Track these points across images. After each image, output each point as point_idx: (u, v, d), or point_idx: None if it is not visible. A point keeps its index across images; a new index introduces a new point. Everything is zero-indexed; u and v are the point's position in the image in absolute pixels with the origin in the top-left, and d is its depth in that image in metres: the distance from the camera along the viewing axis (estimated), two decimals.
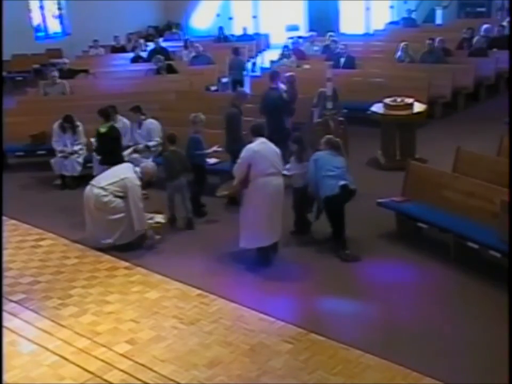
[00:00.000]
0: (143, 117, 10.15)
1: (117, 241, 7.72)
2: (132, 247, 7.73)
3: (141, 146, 10.00)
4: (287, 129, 9.37)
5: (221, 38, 19.99)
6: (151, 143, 10.03)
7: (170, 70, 14.34)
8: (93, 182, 7.92)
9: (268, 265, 7.11)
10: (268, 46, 21.68)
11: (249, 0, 23.38)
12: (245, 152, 7.04)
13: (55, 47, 19.88)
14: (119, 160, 8.76)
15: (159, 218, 8.14)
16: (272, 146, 7.13)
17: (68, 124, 10.26)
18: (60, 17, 21.61)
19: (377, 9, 21.86)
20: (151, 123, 10.16)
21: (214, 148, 8.92)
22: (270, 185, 6.95)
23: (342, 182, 7.17)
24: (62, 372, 5.44)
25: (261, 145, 7.05)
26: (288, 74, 10.10)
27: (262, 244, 7.08)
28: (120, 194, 7.69)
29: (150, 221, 7.98)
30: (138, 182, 7.85)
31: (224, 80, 15.04)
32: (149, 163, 8.66)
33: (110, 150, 9.20)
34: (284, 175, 7.34)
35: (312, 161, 7.42)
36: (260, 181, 6.92)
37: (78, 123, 10.35)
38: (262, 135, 7.22)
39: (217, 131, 9.94)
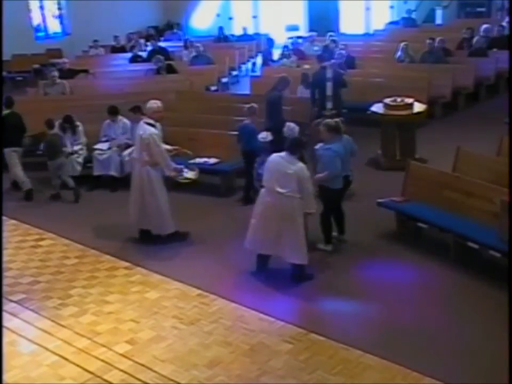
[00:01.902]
0: (143, 117, 10.12)
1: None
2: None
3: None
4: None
5: (221, 38, 19.99)
6: None
7: (170, 70, 14.33)
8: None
9: (259, 272, 6.99)
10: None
11: (249, 0, 23.38)
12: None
13: (55, 47, 19.88)
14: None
15: (190, 174, 8.15)
16: (288, 165, 6.56)
17: (68, 124, 10.26)
18: (60, 17, 21.61)
19: (377, 9, 21.85)
20: None
21: (263, 134, 9.12)
22: (262, 197, 6.80)
23: (344, 174, 7.26)
24: (62, 371, 5.44)
25: (277, 158, 6.73)
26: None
27: (249, 247, 6.99)
28: None
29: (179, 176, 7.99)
30: None
31: (224, 80, 15.10)
32: None
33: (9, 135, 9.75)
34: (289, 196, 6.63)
35: (335, 158, 7.14)
36: (262, 190, 6.87)
37: (78, 123, 10.35)
38: (288, 150, 6.67)
39: (218, 131, 9.96)
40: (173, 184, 8.19)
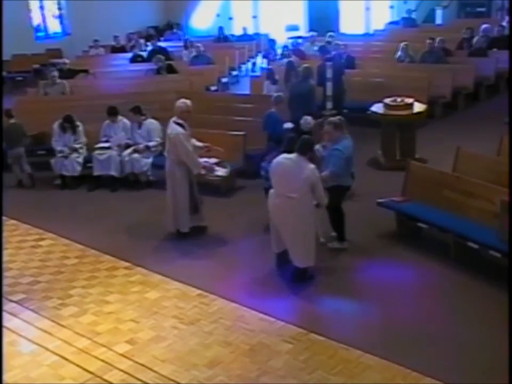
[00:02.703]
0: (143, 117, 10.15)
1: None
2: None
3: (141, 146, 9.99)
4: None
5: (221, 38, 19.99)
6: (151, 143, 10.02)
7: (171, 70, 14.33)
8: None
9: (278, 269, 7.02)
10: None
11: (249, 0, 23.37)
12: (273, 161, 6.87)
13: (55, 47, 19.88)
14: None
15: (222, 172, 8.24)
16: (299, 168, 6.46)
17: (68, 124, 10.25)
18: (60, 17, 21.61)
19: (377, 9, 21.84)
20: (151, 123, 10.16)
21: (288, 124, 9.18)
22: (271, 199, 6.77)
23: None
24: (62, 372, 5.44)
25: (286, 160, 6.63)
26: None
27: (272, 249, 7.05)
28: None
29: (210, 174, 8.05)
30: None
31: (224, 80, 15.11)
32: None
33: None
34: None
35: (342, 159, 7.09)
36: (270, 191, 6.84)
37: (78, 123, 10.34)
38: (298, 151, 6.56)
39: (218, 131, 9.95)
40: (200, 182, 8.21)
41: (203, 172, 7.98)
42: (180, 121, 7.77)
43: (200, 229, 8.10)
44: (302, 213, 6.54)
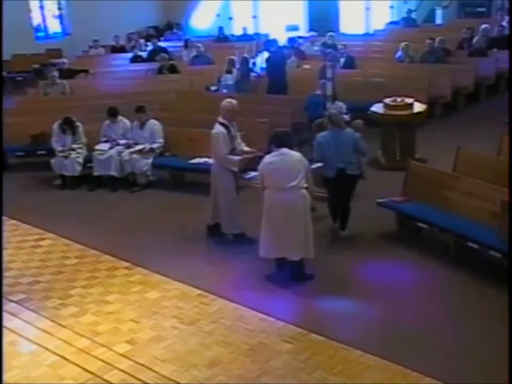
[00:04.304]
0: (146, 118, 10.12)
1: None
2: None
3: (146, 148, 9.94)
4: None
5: (221, 38, 19.98)
6: (155, 145, 9.98)
7: (173, 70, 14.35)
8: None
9: (279, 272, 6.96)
10: None
11: (249, 0, 23.37)
12: (260, 165, 6.83)
13: (55, 47, 19.88)
14: None
15: None
16: (291, 159, 6.62)
17: (67, 126, 10.24)
18: (60, 17, 21.60)
19: (377, 9, 21.82)
20: (154, 124, 10.12)
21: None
22: (271, 198, 6.71)
23: (336, 164, 7.49)
24: (62, 371, 5.44)
25: (276, 157, 6.68)
26: None
27: (262, 254, 6.89)
28: None
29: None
30: None
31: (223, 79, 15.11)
32: None
33: None
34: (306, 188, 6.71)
35: (316, 147, 7.59)
36: (266, 192, 6.79)
37: (78, 123, 10.33)
38: (284, 145, 6.68)
39: None
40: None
41: (239, 168, 7.65)
42: (224, 121, 7.60)
43: (239, 236, 7.85)
44: (303, 201, 6.61)
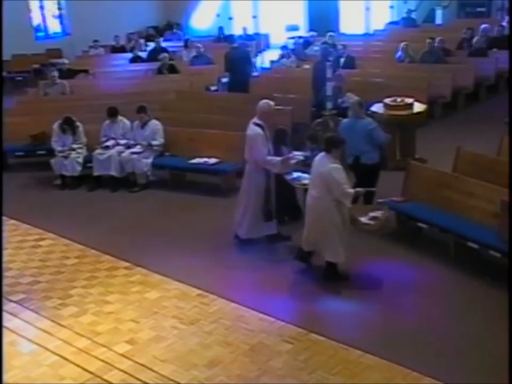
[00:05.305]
0: (147, 118, 10.11)
1: None
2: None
3: (145, 144, 9.94)
4: None
5: (221, 38, 19.98)
6: (154, 142, 9.97)
7: (172, 70, 14.35)
8: None
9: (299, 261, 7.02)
10: (267, 46, 21.68)
11: (249, 0, 23.37)
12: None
13: (55, 47, 19.89)
14: None
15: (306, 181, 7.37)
16: (320, 165, 6.53)
17: (68, 126, 10.25)
18: (60, 17, 21.60)
19: (377, 9, 21.83)
20: (155, 124, 10.10)
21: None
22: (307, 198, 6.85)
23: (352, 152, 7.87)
24: (62, 371, 5.44)
25: (318, 157, 6.66)
26: None
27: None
28: None
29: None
30: None
31: (224, 80, 15.12)
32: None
33: None
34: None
35: None
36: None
37: (78, 123, 10.34)
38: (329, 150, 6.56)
39: (218, 131, 9.97)
40: None
41: (283, 169, 7.46)
42: (260, 122, 7.45)
43: (272, 237, 7.69)
44: (321, 211, 6.56)
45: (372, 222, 6.79)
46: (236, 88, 13.06)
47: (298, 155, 7.60)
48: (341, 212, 6.57)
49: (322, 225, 6.61)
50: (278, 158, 7.41)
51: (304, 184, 7.38)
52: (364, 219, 6.78)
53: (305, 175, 7.38)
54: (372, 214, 6.85)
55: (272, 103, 7.61)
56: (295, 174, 7.56)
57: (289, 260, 7.20)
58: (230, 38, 15.01)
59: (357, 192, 6.59)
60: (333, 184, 6.44)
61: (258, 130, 7.40)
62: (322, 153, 6.63)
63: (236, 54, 13.58)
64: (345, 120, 8.36)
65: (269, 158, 7.41)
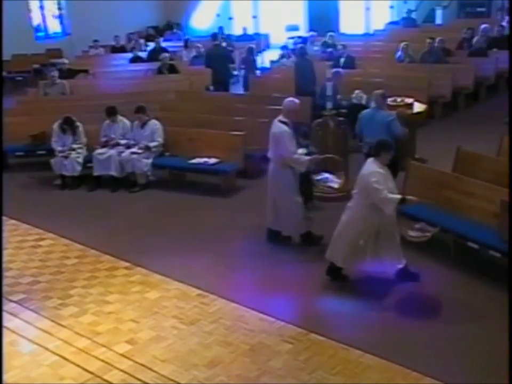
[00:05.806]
0: (147, 118, 10.11)
1: None
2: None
3: (143, 145, 9.93)
4: None
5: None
6: (151, 144, 9.97)
7: (172, 70, 14.35)
8: None
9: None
10: (267, 46, 21.70)
11: (249, 0, 23.38)
12: None
13: (55, 47, 19.91)
14: None
15: (335, 184, 7.52)
16: (366, 169, 6.33)
17: (68, 126, 10.24)
18: (60, 17, 21.63)
19: (377, 9, 21.87)
20: (155, 124, 10.09)
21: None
22: None
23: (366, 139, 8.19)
24: (62, 371, 5.44)
25: (367, 161, 6.48)
26: None
27: None
28: None
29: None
30: None
31: None
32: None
33: None
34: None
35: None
36: None
37: (78, 123, 10.33)
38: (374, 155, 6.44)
39: (218, 131, 9.97)
40: None
41: (312, 167, 7.38)
42: (285, 119, 7.30)
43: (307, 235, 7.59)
44: (350, 213, 6.47)
45: (418, 234, 6.64)
46: (215, 85, 13.50)
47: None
48: (371, 221, 6.35)
49: (345, 227, 6.52)
50: (306, 157, 7.31)
51: (330, 187, 7.33)
52: (412, 232, 6.63)
53: (333, 177, 7.37)
54: (417, 226, 6.73)
55: (297, 100, 7.51)
56: (325, 175, 7.47)
57: (289, 260, 7.21)
58: (212, 36, 15.14)
59: (410, 201, 6.36)
60: (370, 189, 6.23)
61: (285, 127, 7.29)
62: (372, 158, 6.41)
63: (216, 52, 13.97)
64: (365, 111, 8.72)
65: (297, 156, 7.29)
